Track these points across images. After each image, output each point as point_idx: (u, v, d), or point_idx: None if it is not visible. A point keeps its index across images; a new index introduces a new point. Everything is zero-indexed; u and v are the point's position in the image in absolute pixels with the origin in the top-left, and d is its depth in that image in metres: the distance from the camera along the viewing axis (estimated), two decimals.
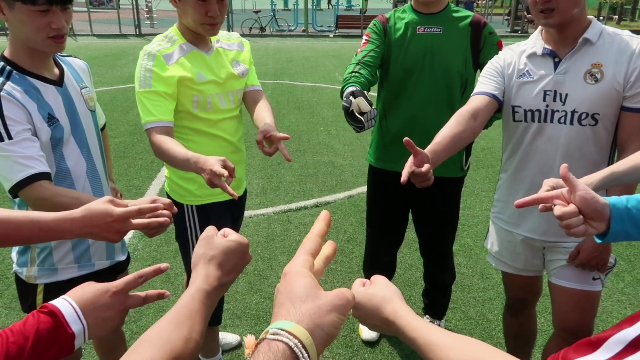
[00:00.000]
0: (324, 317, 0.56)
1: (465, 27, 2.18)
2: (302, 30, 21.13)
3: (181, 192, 2.03)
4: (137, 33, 18.57)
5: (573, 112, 1.69)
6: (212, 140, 1.97)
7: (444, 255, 2.56)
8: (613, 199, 1.11)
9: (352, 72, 2.07)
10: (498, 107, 1.84)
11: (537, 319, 2.31)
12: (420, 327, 0.76)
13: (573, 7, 1.61)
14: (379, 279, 0.87)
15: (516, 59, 1.82)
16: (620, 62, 1.63)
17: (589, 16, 1.71)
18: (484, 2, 26.21)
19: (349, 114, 1.78)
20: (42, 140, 1.50)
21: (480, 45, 2.19)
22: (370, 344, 2.65)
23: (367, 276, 2.76)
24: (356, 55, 2.19)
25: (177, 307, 0.73)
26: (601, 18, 24.60)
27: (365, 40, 2.26)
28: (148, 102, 1.79)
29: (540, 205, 1.18)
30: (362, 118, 1.74)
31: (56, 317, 0.78)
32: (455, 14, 2.21)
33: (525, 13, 22.27)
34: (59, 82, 1.61)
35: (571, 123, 1.70)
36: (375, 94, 2.44)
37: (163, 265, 0.91)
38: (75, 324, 0.79)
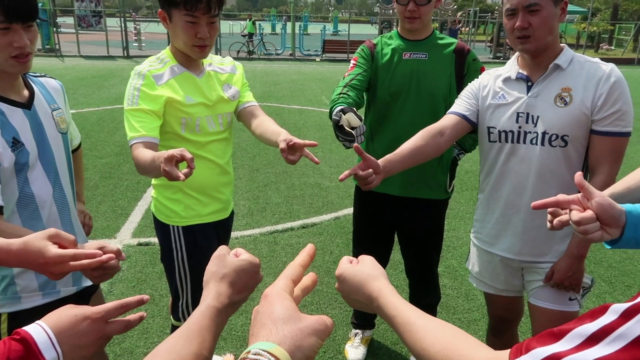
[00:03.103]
0: (304, 340, 0.57)
1: (450, 53, 2.26)
2: (289, 54, 21.39)
3: (167, 213, 2.03)
4: (125, 55, 18.63)
5: (544, 133, 1.75)
6: (199, 162, 1.93)
7: (429, 276, 2.58)
8: (628, 206, 1.14)
9: (340, 94, 2.12)
10: (472, 129, 1.94)
11: (520, 340, 2.34)
12: (401, 307, 0.79)
13: (547, 35, 1.70)
14: (366, 258, 0.89)
15: (492, 82, 1.90)
16: (588, 87, 1.70)
17: (562, 44, 1.80)
18: (467, 29, 26.86)
19: (338, 127, 1.81)
20: (4, 166, 1.44)
21: (464, 72, 2.26)
22: None
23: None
24: (344, 78, 2.25)
25: (187, 324, 0.73)
26: (580, 46, 25.32)
27: (353, 64, 2.32)
28: (133, 119, 1.79)
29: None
30: (352, 132, 1.78)
31: (28, 344, 0.75)
32: (440, 41, 2.29)
33: (507, 40, 22.86)
34: (27, 104, 1.54)
35: (542, 144, 1.76)
36: (363, 117, 2.49)
37: (145, 296, 0.90)
38: (49, 352, 0.76)
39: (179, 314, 2.14)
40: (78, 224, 1.76)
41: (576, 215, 1.13)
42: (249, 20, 22.76)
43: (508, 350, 0.66)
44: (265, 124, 1.97)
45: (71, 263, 1.04)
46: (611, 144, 1.70)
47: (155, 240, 3.87)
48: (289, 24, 23.22)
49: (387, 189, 2.36)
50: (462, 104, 1.94)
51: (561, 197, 1.18)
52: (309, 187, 5.32)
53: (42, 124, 1.57)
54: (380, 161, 1.71)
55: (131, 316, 0.88)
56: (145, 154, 1.66)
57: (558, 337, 0.59)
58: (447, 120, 1.92)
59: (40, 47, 18.66)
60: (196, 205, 2.02)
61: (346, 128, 1.79)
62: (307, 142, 1.66)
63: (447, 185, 2.41)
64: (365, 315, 2.76)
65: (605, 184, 1.63)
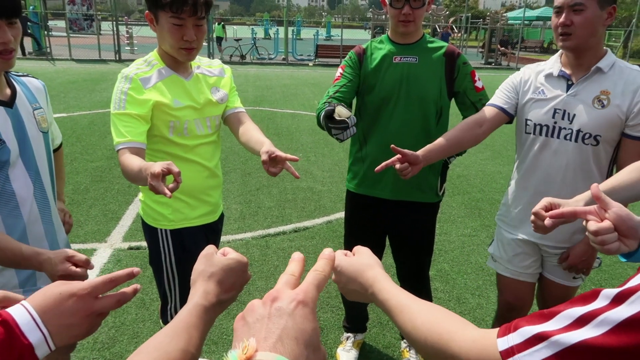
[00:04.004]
0: None
1: (440, 57, 2.26)
2: (282, 59, 21.42)
3: (155, 216, 2.02)
4: (117, 58, 18.56)
5: (578, 131, 1.86)
6: (188, 165, 1.95)
7: (420, 279, 2.59)
8: None
9: (325, 103, 2.15)
10: (509, 120, 2.07)
11: None
12: (394, 291, 0.82)
13: (588, 35, 1.79)
14: (362, 250, 0.92)
15: (533, 77, 2.01)
16: (626, 93, 1.79)
17: (605, 48, 1.89)
18: (459, 34, 27.05)
19: (331, 119, 1.87)
20: None
21: (455, 75, 2.27)
22: None
23: (346, 304, 2.77)
24: (331, 86, 2.29)
25: (174, 322, 0.72)
26: None
27: (340, 73, 2.34)
28: (120, 124, 1.78)
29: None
30: (347, 120, 1.84)
31: (9, 327, 0.72)
32: (430, 45, 2.30)
33: (498, 46, 23.04)
34: (9, 103, 1.55)
35: (575, 141, 1.87)
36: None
37: (135, 269, 0.87)
38: (33, 333, 0.73)
39: (167, 317, 2.12)
40: (58, 222, 1.76)
41: (594, 225, 1.11)
42: (218, 24, 22.26)
43: (497, 329, 0.67)
44: (250, 131, 1.97)
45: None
46: None
47: (145, 244, 3.84)
48: (281, 29, 23.23)
49: (379, 193, 2.37)
50: (501, 97, 2.05)
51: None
52: (301, 191, 5.32)
53: (24, 122, 1.57)
54: (420, 152, 1.91)
55: (125, 289, 0.84)
56: (132, 162, 1.65)
57: (548, 317, 0.61)
58: (486, 112, 2.04)
59: (30, 50, 18.57)
60: (184, 209, 2.01)
61: (337, 118, 1.84)
62: (289, 156, 1.69)
63: (437, 188, 2.42)
64: (357, 319, 2.76)
65: None
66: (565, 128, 1.88)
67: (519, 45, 23.15)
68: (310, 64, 20.80)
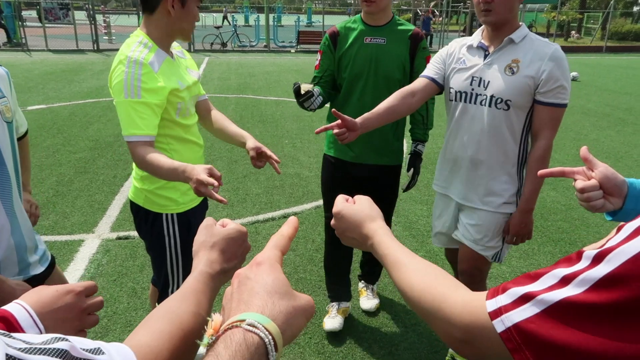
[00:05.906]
0: (295, 319, 0.57)
1: (406, 39, 2.43)
2: (263, 46, 21.23)
3: (161, 203, 2.01)
4: (95, 48, 18.20)
5: (492, 96, 2.00)
6: (188, 145, 2.01)
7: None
8: (631, 179, 1.15)
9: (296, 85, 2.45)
10: (439, 91, 2.21)
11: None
12: (393, 247, 0.84)
13: (506, 11, 1.94)
14: (363, 199, 0.94)
15: (457, 49, 2.16)
16: (534, 62, 1.93)
17: (520, 23, 2.04)
18: (441, 19, 27.06)
19: (299, 95, 2.27)
20: None
21: (415, 55, 2.44)
22: (342, 352, 2.68)
23: (328, 271, 2.90)
24: (314, 70, 2.56)
25: (182, 289, 0.72)
26: (550, 34, 25.78)
27: (318, 61, 2.56)
28: (135, 114, 1.74)
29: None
30: (312, 90, 2.28)
31: (9, 323, 0.74)
32: (399, 27, 2.45)
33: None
34: None
35: (489, 105, 2.01)
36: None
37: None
38: (32, 329, 0.76)
39: None
40: (22, 213, 1.67)
41: (580, 182, 1.14)
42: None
43: (485, 292, 0.69)
44: (221, 120, 2.13)
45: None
46: (552, 113, 1.95)
47: (134, 233, 3.81)
48: (262, 16, 22.97)
49: (350, 157, 2.61)
50: (432, 69, 2.20)
51: (567, 168, 1.20)
52: (288, 177, 5.32)
53: None
54: (359, 119, 1.96)
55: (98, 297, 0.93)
56: (159, 160, 1.70)
57: (534, 278, 0.63)
58: (418, 82, 2.18)
59: (5, 41, 18.10)
60: (191, 189, 2.02)
61: (303, 91, 2.22)
62: (274, 155, 1.88)
63: (402, 152, 2.66)
64: (339, 287, 2.91)
65: (546, 147, 1.96)
66: (481, 94, 2.02)
67: None
68: (292, 50, 20.65)
